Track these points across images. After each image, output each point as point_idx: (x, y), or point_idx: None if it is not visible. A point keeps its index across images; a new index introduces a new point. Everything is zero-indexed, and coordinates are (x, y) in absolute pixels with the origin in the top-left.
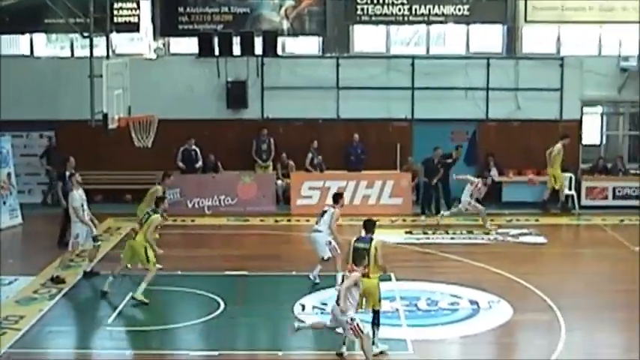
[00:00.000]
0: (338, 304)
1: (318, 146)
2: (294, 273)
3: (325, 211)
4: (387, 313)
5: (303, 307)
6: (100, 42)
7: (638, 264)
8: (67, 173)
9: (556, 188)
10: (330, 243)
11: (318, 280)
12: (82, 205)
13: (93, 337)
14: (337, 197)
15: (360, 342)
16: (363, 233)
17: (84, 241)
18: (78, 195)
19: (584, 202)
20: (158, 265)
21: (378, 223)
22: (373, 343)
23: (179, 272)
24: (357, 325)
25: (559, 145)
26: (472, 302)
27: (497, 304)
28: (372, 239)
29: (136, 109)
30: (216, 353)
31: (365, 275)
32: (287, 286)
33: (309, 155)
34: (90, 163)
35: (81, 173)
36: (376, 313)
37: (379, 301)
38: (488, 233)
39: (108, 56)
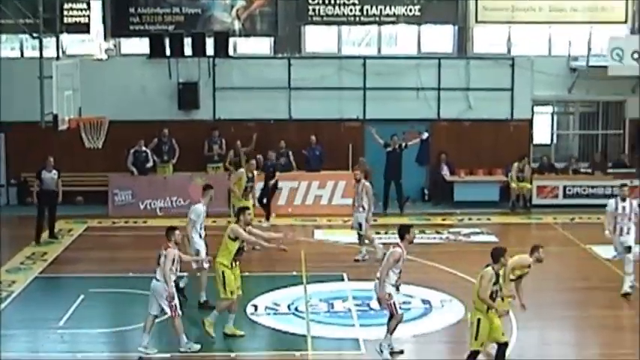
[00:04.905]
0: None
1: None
2: (246, 274)
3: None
4: (339, 312)
5: (256, 307)
6: (50, 43)
7: (588, 262)
8: None
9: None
10: None
11: None
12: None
13: (44, 340)
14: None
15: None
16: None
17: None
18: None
19: (536, 200)
20: None
21: (330, 223)
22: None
23: (130, 274)
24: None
25: None
26: (424, 301)
27: (449, 303)
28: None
29: (87, 110)
30: (168, 355)
31: None
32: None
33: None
34: (40, 164)
35: (30, 176)
36: None
37: None
38: (439, 232)
39: (58, 57)
